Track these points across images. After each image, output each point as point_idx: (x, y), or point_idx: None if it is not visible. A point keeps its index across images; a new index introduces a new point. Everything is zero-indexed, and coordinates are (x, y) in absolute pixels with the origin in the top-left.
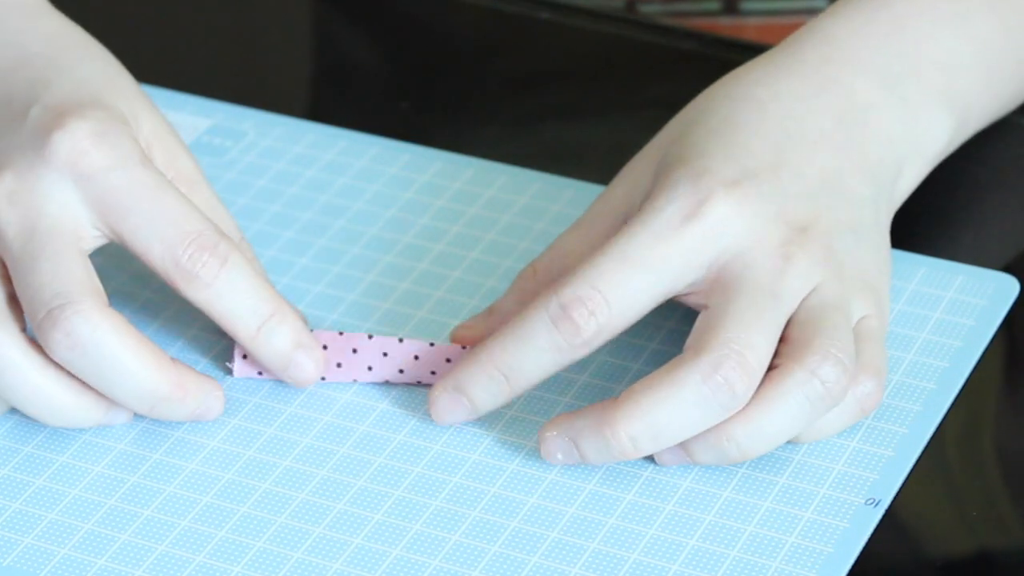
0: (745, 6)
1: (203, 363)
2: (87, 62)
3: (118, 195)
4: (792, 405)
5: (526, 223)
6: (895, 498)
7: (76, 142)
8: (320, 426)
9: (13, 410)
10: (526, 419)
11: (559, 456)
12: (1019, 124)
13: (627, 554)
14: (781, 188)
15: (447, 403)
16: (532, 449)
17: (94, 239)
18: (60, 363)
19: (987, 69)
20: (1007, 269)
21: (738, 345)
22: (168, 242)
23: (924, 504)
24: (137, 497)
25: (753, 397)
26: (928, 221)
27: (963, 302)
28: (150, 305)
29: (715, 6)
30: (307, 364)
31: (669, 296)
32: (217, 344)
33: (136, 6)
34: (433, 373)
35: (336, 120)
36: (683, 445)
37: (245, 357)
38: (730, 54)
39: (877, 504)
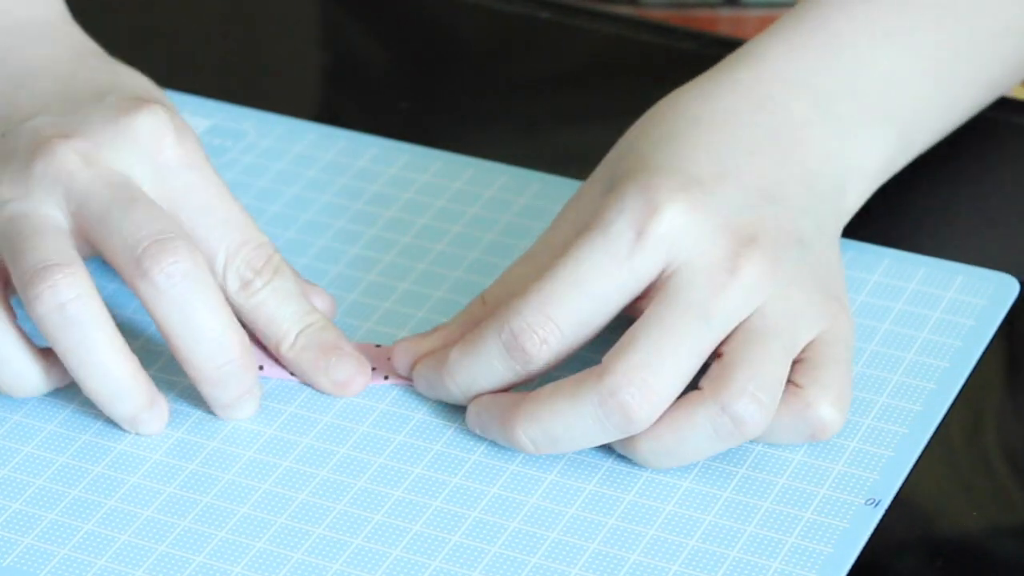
0: None
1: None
2: (130, 72)
3: (189, 192)
4: (699, 434)
5: (526, 223)
6: (895, 498)
7: (159, 125)
8: (320, 427)
9: (11, 412)
10: None
11: (477, 431)
12: (1019, 124)
13: (627, 555)
14: (727, 197)
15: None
16: None
17: None
18: (159, 301)
19: (934, 82)
20: (1007, 269)
21: (644, 372)
22: (229, 249)
23: (924, 504)
24: (137, 498)
25: (665, 414)
26: (928, 221)
27: (963, 302)
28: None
29: None
30: (343, 367)
31: (614, 314)
32: None
33: (136, 6)
34: (373, 369)
35: (336, 120)
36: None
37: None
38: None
39: (877, 504)
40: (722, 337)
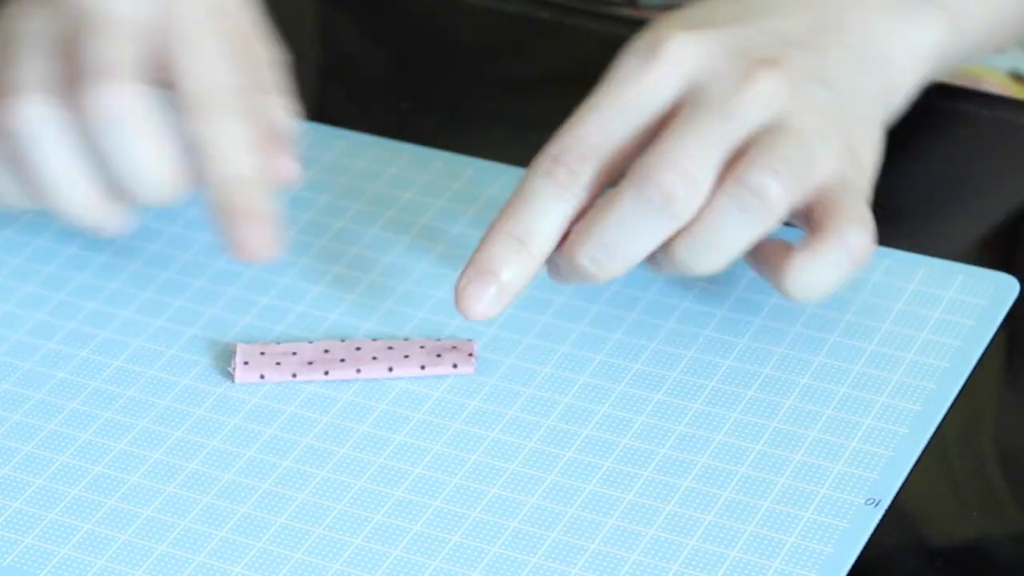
0: None
1: (203, 364)
2: None
3: (171, 30)
4: (727, 217)
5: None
6: (895, 498)
7: None
8: (320, 426)
9: (11, 411)
10: (526, 420)
11: (557, 279)
12: (1019, 124)
13: (627, 555)
14: (744, 33)
15: (476, 289)
16: (533, 450)
17: None
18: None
19: None
20: (1007, 269)
21: (673, 155)
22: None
23: (924, 504)
24: (137, 497)
25: (697, 215)
26: (928, 221)
27: (963, 302)
28: (149, 305)
29: None
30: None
31: (644, 132)
32: (217, 344)
33: None
34: (342, 361)
35: (336, 120)
36: (648, 261)
37: (247, 363)
38: None
39: (877, 504)
40: (743, 135)
